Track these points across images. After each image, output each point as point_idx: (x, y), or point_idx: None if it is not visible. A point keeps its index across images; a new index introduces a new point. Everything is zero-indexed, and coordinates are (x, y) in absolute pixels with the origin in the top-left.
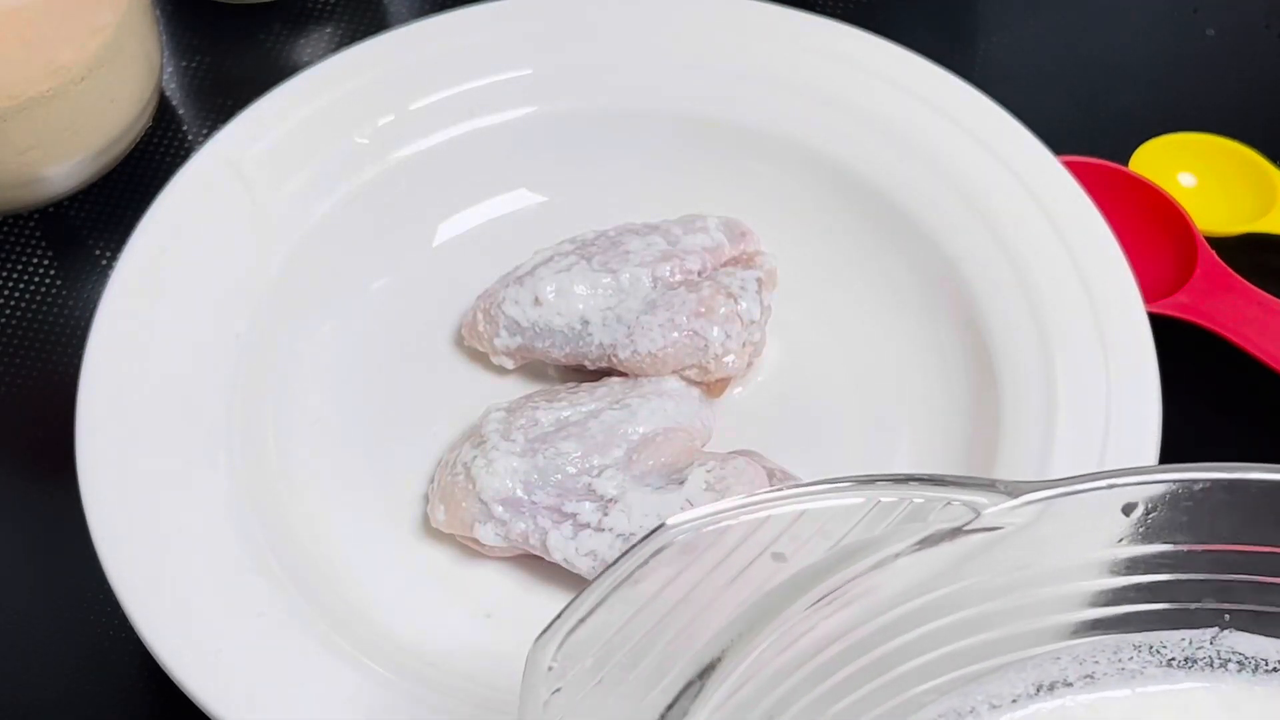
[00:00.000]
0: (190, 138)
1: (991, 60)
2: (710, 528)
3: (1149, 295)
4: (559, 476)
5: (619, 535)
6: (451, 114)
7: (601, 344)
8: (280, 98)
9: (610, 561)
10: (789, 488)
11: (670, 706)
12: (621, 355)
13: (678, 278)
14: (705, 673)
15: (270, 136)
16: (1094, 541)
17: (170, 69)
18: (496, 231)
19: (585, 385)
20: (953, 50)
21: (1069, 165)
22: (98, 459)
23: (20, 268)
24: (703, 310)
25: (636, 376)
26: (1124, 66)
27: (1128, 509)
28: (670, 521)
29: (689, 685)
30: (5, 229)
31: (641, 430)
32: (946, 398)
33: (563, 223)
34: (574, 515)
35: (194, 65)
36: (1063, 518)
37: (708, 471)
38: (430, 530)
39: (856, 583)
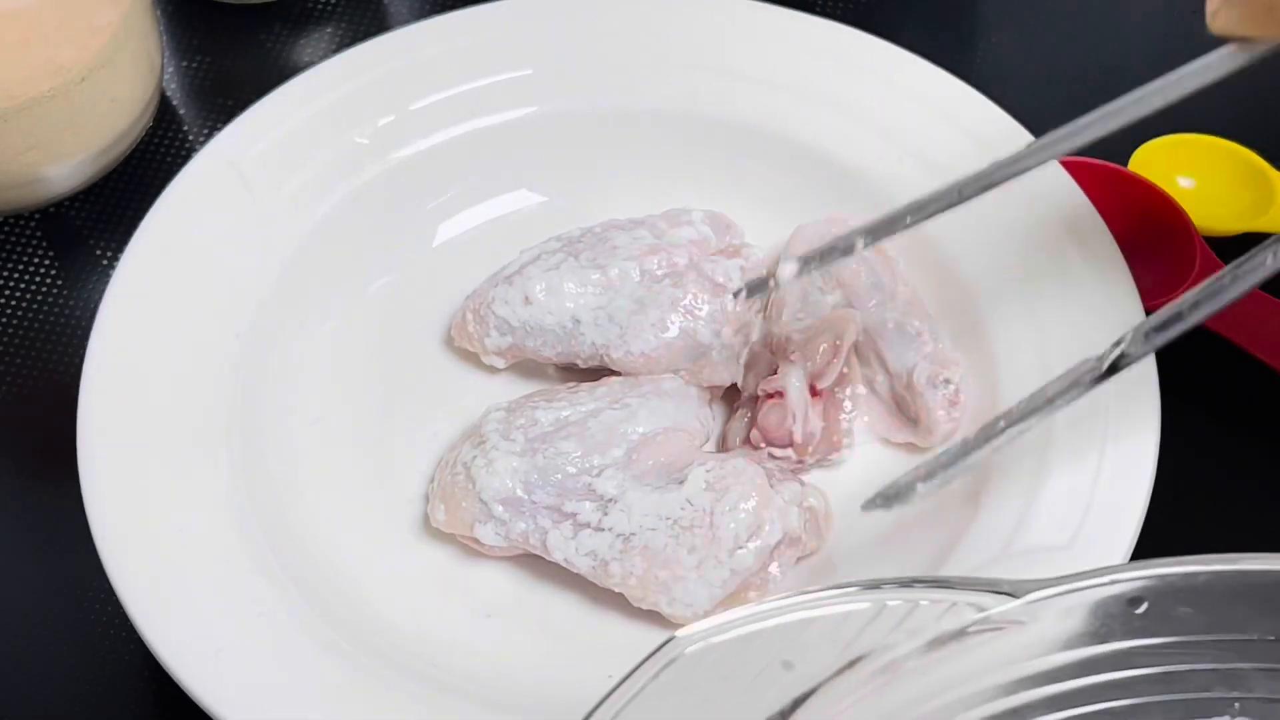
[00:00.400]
0: (191, 138)
1: (991, 60)
2: (719, 639)
3: (1148, 295)
4: (559, 476)
5: (619, 535)
6: (451, 114)
7: (594, 343)
8: (280, 98)
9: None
10: (796, 595)
11: None
12: (614, 355)
13: (664, 271)
14: None
15: (270, 137)
16: (1101, 634)
17: (171, 69)
18: (496, 231)
19: (584, 385)
20: (953, 50)
21: (1069, 165)
22: (99, 459)
23: (21, 268)
24: (691, 308)
25: (629, 375)
26: (1124, 66)
27: (1134, 603)
28: (680, 634)
29: None
30: (6, 229)
31: (641, 430)
32: None
33: (563, 223)
34: (574, 515)
35: (194, 65)
36: (1068, 614)
37: (707, 471)
38: (430, 530)
39: (863, 689)
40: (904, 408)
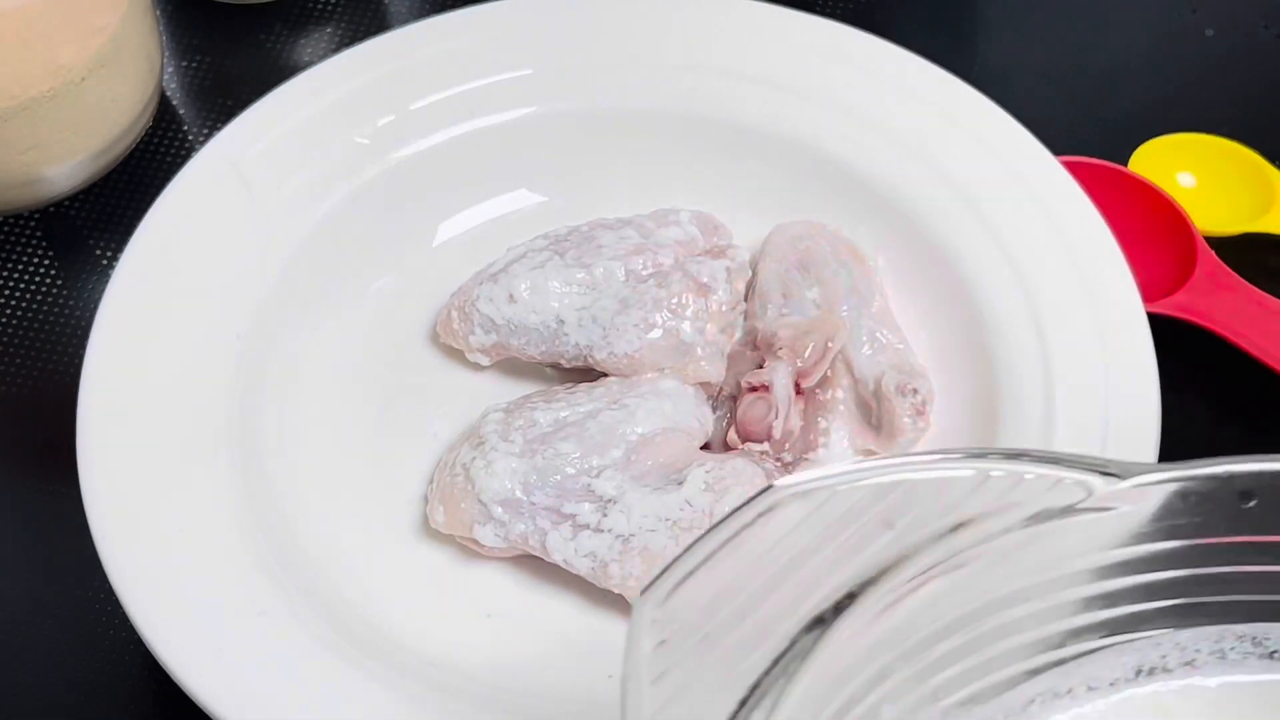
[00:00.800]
0: (190, 138)
1: (991, 60)
2: (820, 490)
3: (1148, 295)
4: (558, 477)
5: (618, 536)
6: (451, 114)
7: (578, 344)
8: (280, 98)
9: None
10: (901, 457)
11: (774, 665)
12: (598, 356)
13: (649, 271)
14: (810, 633)
15: (270, 136)
16: (1203, 527)
17: (170, 69)
18: (496, 231)
19: (583, 386)
20: (953, 50)
21: (1069, 165)
22: (99, 459)
23: (21, 268)
24: (675, 308)
25: (616, 375)
26: (1124, 66)
27: (1244, 496)
28: (779, 483)
29: (794, 645)
30: (6, 229)
31: (640, 431)
32: (944, 398)
33: (563, 223)
34: (573, 516)
35: (194, 65)
36: (1174, 502)
37: (706, 472)
38: (430, 531)
39: (962, 556)
40: (867, 414)
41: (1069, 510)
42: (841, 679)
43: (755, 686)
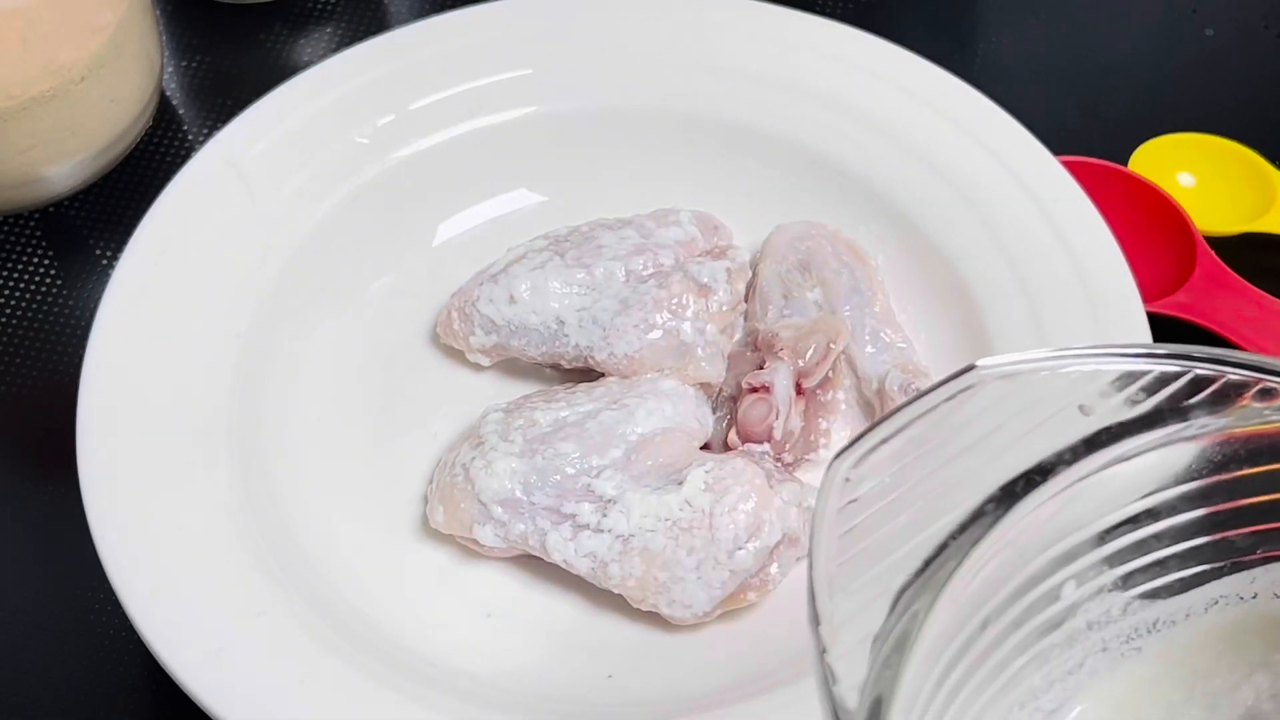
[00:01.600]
0: (190, 138)
1: (991, 60)
2: (1022, 373)
3: (1148, 295)
4: (558, 477)
5: (618, 536)
6: (451, 114)
7: (578, 345)
8: (280, 98)
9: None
10: (1103, 346)
11: (961, 530)
12: (598, 357)
13: (649, 271)
14: (1000, 504)
15: (270, 136)
16: None
17: (170, 69)
18: (496, 231)
19: (583, 386)
20: (953, 50)
21: (1069, 165)
22: (98, 459)
23: (20, 268)
24: (675, 308)
25: (616, 375)
26: (1124, 66)
27: None
28: (981, 362)
29: (981, 514)
30: (5, 229)
31: (640, 431)
32: None
33: (563, 223)
34: (573, 516)
35: (194, 65)
36: None
37: (706, 472)
38: (430, 531)
39: (1157, 447)
40: (869, 413)
41: (1268, 413)
42: (1025, 553)
43: (942, 548)
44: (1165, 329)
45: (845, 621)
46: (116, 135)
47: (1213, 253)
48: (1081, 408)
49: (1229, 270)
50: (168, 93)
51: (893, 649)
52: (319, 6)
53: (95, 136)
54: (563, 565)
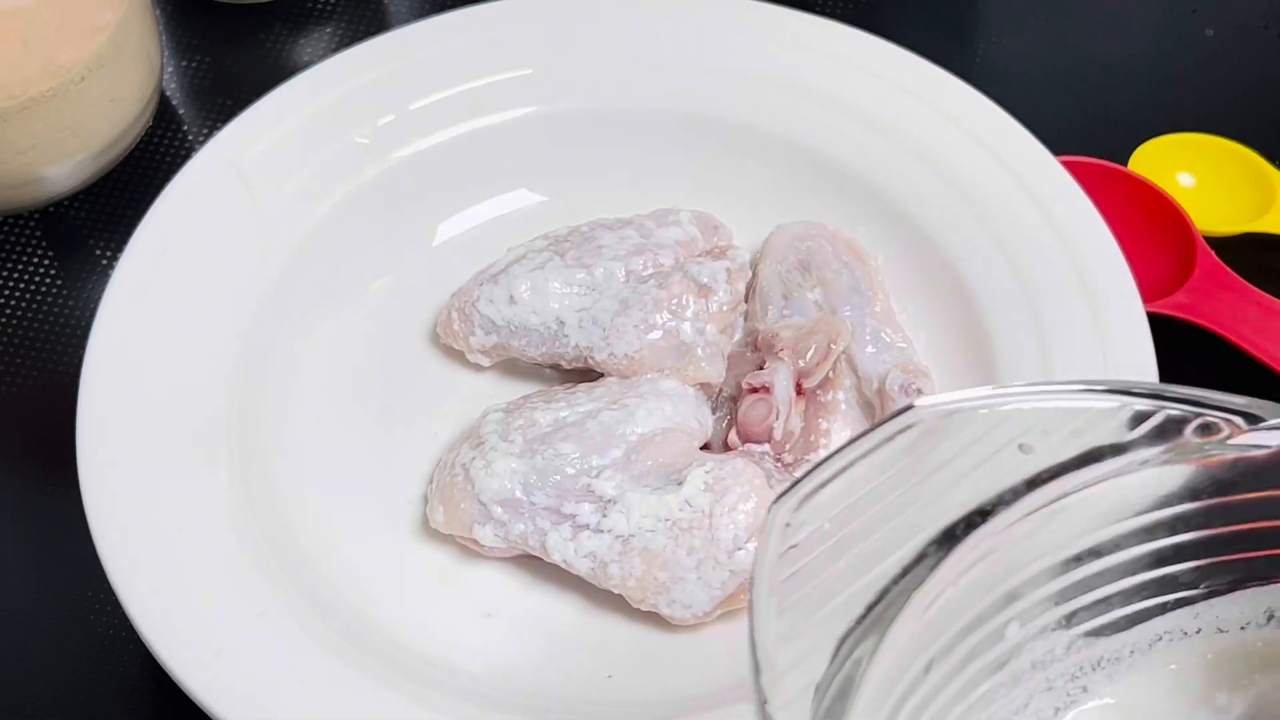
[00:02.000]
0: (190, 138)
1: (991, 60)
2: (960, 412)
3: (1148, 295)
4: (558, 477)
5: (618, 536)
6: (451, 114)
7: (578, 345)
8: (280, 98)
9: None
10: (1042, 384)
11: (902, 575)
12: (598, 357)
13: (650, 271)
14: (941, 547)
15: (270, 136)
16: None
17: (170, 69)
18: (496, 231)
19: (583, 386)
20: (953, 50)
21: (1069, 165)
22: (98, 459)
23: (20, 268)
24: (675, 308)
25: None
26: (1123, 66)
27: None
28: (919, 401)
29: (923, 557)
30: (5, 229)
31: (640, 431)
32: None
33: (563, 223)
34: (573, 516)
35: (194, 65)
36: None
37: (706, 472)
38: (430, 530)
39: (1097, 484)
40: (869, 414)
41: (1210, 447)
42: (969, 595)
43: (884, 592)
44: (1165, 329)
45: (787, 670)
46: (116, 135)
47: (1213, 253)
48: (1021, 446)
49: (1229, 270)
50: (168, 93)
51: (835, 697)
52: (319, 6)
53: (95, 136)
54: (563, 565)
